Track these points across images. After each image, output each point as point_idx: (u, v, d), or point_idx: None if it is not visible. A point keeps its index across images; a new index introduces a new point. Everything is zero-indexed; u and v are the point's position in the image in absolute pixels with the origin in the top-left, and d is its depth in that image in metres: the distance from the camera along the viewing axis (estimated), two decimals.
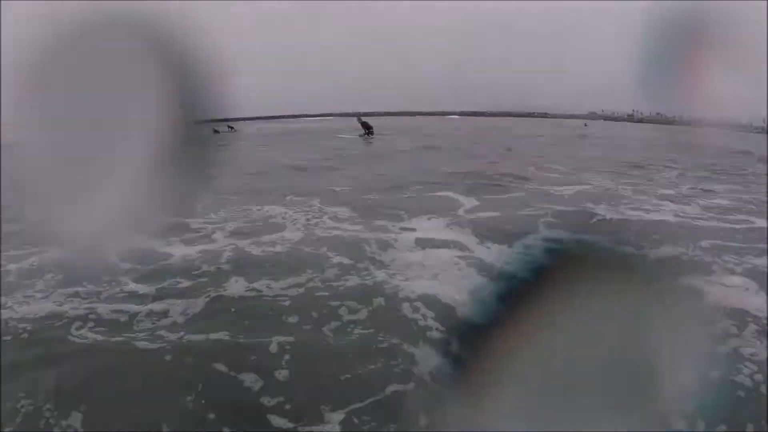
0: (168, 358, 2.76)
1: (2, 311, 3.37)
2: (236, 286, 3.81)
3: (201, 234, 5.36)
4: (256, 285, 3.83)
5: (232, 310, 3.43)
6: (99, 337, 3.00)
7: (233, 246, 4.92)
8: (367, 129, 16.54)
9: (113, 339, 2.98)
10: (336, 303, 3.42)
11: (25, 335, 3.06)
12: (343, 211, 6.49)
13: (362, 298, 3.49)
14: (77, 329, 3.13)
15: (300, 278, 3.94)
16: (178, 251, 4.65)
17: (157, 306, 3.44)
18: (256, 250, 4.82)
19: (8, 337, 3.01)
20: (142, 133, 0.93)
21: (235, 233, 5.46)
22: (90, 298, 3.60)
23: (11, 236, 4.26)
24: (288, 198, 7.49)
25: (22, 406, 2.26)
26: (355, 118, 18.11)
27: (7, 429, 2.24)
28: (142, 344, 2.92)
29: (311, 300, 3.54)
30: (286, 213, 6.49)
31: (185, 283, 3.87)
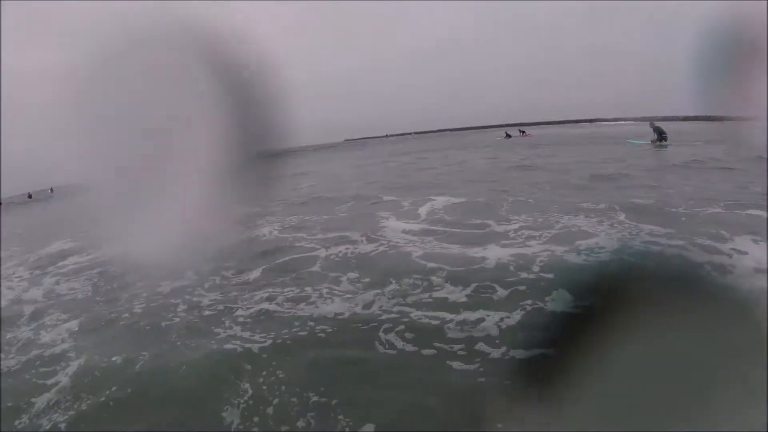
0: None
1: (305, 308, 3.51)
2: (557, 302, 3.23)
3: (508, 237, 4.90)
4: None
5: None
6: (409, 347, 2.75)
7: (548, 252, 4.31)
8: (660, 135, 15.18)
9: (424, 351, 2.70)
10: None
11: (323, 335, 3.04)
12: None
13: None
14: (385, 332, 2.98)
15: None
16: (492, 254, 4.29)
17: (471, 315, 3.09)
18: (576, 258, 4.08)
19: (304, 333, 3.06)
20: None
21: (532, 238, 4.80)
22: (396, 299, 3.50)
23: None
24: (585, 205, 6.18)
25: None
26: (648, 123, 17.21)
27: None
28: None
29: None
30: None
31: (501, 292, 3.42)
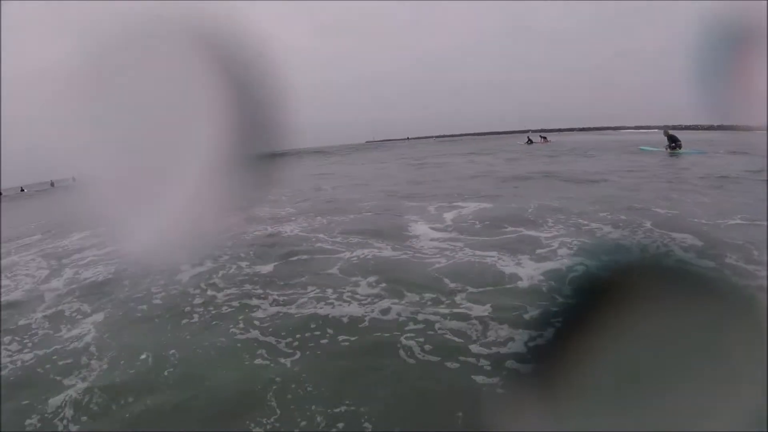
0: None
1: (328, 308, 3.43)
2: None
3: (540, 249, 4.69)
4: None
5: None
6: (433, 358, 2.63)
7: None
8: (674, 142, 15.19)
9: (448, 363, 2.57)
10: None
11: (345, 342, 2.95)
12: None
13: None
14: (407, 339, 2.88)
15: None
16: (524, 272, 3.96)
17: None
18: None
19: (346, 338, 2.96)
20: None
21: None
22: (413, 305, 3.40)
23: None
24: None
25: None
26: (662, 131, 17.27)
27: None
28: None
29: None
30: None
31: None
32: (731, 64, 1.08)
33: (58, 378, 2.74)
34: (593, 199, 7.01)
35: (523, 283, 3.70)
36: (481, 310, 3.20)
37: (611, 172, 10.63)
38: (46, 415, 2.38)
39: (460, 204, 7.56)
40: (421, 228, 5.99)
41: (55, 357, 3.04)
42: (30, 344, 3.31)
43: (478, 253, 4.63)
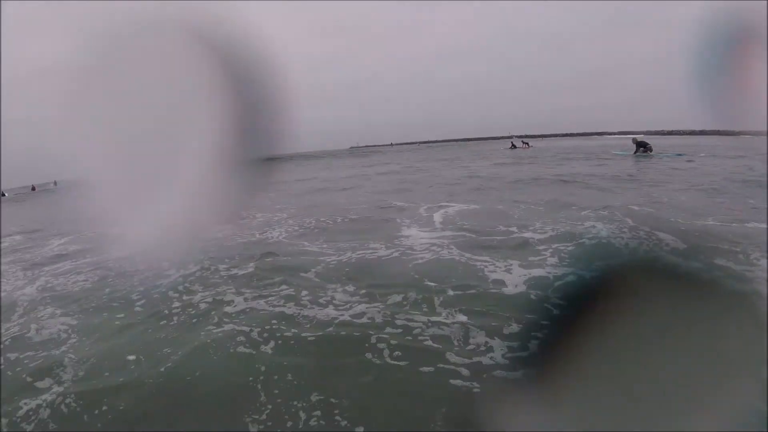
0: None
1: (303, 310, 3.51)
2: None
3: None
4: None
5: None
6: None
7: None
8: (643, 147, 17.50)
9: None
10: None
11: (321, 341, 2.98)
12: None
13: None
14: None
15: None
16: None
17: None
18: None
19: (308, 336, 2.97)
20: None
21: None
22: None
23: None
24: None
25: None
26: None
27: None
28: None
29: None
30: None
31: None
32: (730, 67, 1.07)
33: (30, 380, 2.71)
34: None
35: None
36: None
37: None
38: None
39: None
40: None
41: (29, 361, 3.00)
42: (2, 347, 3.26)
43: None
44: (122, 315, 3.70)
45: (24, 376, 2.78)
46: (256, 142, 0.93)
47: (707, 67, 1.12)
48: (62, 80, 0.89)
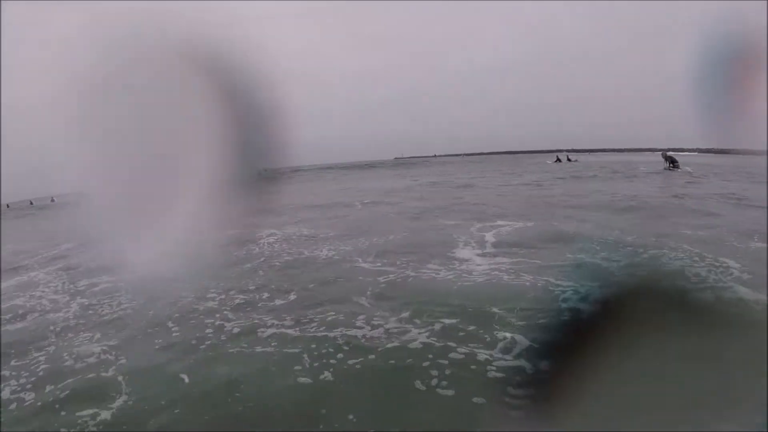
0: None
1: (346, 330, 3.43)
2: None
3: None
4: None
5: None
6: None
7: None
8: (672, 163, 17.59)
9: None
10: None
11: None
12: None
13: None
14: None
15: None
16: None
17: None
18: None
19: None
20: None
21: None
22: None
23: None
24: None
25: None
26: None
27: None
28: None
29: None
30: None
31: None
32: (732, 85, 1.05)
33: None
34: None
35: None
36: None
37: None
38: None
39: None
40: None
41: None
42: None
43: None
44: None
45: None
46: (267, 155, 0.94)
47: (710, 86, 1.11)
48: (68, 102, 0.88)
